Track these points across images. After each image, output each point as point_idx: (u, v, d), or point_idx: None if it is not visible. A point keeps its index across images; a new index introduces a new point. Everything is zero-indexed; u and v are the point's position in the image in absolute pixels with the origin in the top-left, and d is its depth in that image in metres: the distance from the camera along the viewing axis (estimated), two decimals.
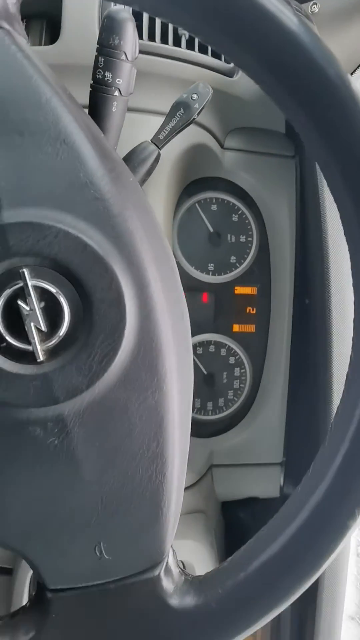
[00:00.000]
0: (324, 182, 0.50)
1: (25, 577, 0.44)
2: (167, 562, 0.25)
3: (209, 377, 0.58)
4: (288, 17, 0.22)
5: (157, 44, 0.47)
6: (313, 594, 0.50)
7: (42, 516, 0.24)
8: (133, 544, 0.24)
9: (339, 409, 0.24)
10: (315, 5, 0.56)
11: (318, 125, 0.22)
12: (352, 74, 0.63)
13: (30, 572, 0.44)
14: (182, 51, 0.48)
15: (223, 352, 0.57)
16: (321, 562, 0.23)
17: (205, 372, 0.57)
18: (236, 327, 0.57)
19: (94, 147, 0.24)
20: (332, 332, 0.49)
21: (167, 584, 0.25)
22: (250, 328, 0.58)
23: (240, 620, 0.24)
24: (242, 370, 0.58)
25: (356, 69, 0.62)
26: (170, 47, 0.47)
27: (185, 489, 0.29)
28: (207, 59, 0.51)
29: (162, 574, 0.25)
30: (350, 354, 0.24)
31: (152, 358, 0.24)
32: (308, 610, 0.52)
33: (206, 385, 0.57)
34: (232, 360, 0.58)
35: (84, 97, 0.35)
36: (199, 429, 0.57)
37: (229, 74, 0.52)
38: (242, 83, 0.53)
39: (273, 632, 0.59)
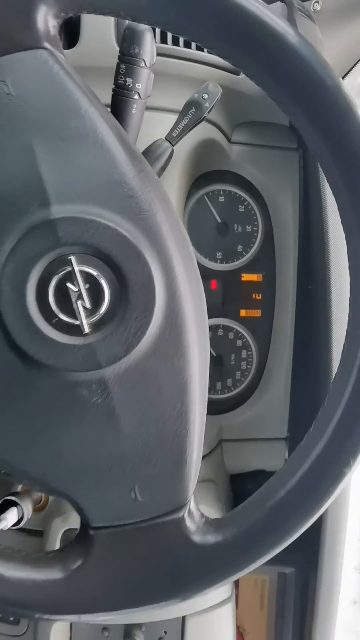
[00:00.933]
0: None
1: (55, 539, 0.48)
2: (190, 506, 0.29)
3: (218, 359, 0.61)
4: (293, 36, 0.26)
5: (169, 46, 0.50)
6: (315, 549, 0.54)
7: (87, 464, 0.28)
8: (162, 489, 0.28)
9: (336, 376, 0.28)
10: (317, 4, 0.59)
11: (315, 123, 0.26)
12: (351, 69, 0.66)
13: (60, 533, 0.48)
14: (192, 52, 0.51)
15: (231, 335, 0.61)
16: (322, 502, 0.27)
17: (214, 354, 0.61)
18: (243, 312, 0.60)
19: (125, 150, 0.27)
20: (331, 314, 0.52)
21: (190, 524, 0.29)
22: (256, 313, 0.61)
23: (254, 553, 0.28)
24: (249, 352, 0.61)
25: (355, 64, 0.65)
26: (181, 49, 0.50)
27: None
28: (215, 58, 0.53)
29: (186, 515, 0.29)
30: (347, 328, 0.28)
31: (177, 331, 0.28)
32: (310, 566, 0.56)
33: (215, 366, 0.61)
34: (239, 343, 0.61)
35: (101, 96, 0.38)
36: (209, 407, 0.61)
37: (235, 72, 0.55)
38: (248, 80, 0.55)
39: (280, 579, 0.63)
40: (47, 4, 0.26)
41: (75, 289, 0.26)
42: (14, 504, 0.48)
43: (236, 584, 0.62)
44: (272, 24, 0.26)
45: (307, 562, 0.58)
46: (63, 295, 0.26)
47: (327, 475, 0.27)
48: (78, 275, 0.26)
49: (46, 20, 0.27)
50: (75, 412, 0.27)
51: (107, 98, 0.39)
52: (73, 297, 0.26)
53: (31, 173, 0.26)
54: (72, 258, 0.26)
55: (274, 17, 0.26)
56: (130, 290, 0.26)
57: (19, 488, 0.53)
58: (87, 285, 0.26)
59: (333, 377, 0.29)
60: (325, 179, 0.56)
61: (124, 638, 0.53)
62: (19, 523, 0.47)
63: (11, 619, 0.55)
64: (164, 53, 0.49)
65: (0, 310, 0.26)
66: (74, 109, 0.27)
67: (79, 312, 0.26)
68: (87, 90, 0.28)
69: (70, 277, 0.26)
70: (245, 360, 0.62)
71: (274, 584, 0.65)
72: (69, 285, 0.26)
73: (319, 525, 0.54)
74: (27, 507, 0.49)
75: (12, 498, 0.48)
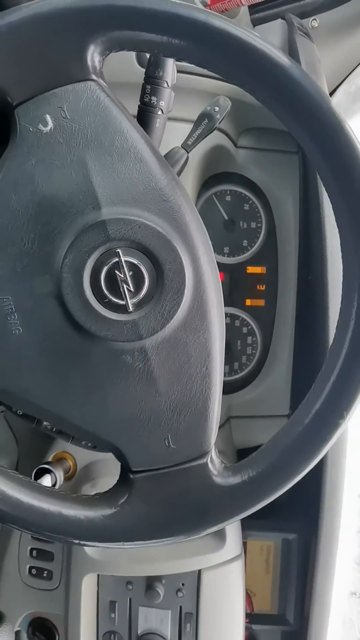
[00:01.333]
0: None
1: None
2: (212, 453, 0.35)
3: (226, 345, 0.67)
4: (293, 65, 0.32)
5: (183, 63, 0.56)
6: (315, 518, 0.60)
7: (130, 418, 0.34)
8: (190, 438, 0.34)
9: (331, 346, 0.34)
10: (314, 21, 0.65)
11: (311, 137, 0.32)
12: (345, 78, 0.72)
13: None
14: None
15: (237, 323, 0.66)
16: (321, 448, 0.33)
17: None
18: (248, 302, 0.66)
19: (159, 163, 0.34)
20: (328, 302, 0.57)
21: (213, 469, 0.35)
22: (260, 302, 0.66)
23: (266, 491, 0.34)
24: (254, 339, 0.67)
25: (349, 74, 0.71)
26: (191, 65, 0.56)
27: None
28: None
29: (209, 461, 0.35)
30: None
31: (203, 308, 0.34)
32: (311, 533, 0.62)
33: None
34: (245, 330, 0.67)
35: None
36: None
37: None
38: None
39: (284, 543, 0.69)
40: (96, 44, 0.32)
41: (121, 276, 0.32)
42: (48, 471, 0.54)
43: (244, 550, 0.68)
44: (281, 61, 0.32)
45: (308, 529, 0.64)
46: (112, 281, 0.32)
47: (325, 426, 0.33)
48: (124, 264, 0.32)
49: (94, 57, 0.32)
50: (120, 375, 0.33)
51: (128, 108, 0.44)
52: (120, 282, 0.32)
53: (85, 182, 0.32)
54: (119, 251, 0.32)
55: (283, 56, 0.32)
56: (165, 276, 0.32)
57: (51, 458, 0.60)
58: (131, 273, 0.32)
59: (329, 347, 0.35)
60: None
61: (146, 590, 0.59)
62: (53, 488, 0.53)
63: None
64: (179, 70, 0.54)
65: (62, 293, 0.32)
66: (117, 130, 0.33)
67: (125, 294, 0.32)
68: (126, 113, 0.34)
69: (117, 266, 0.32)
70: (251, 345, 0.67)
71: (278, 550, 0.70)
72: (116, 272, 0.32)
73: (318, 496, 0.59)
74: (59, 474, 0.56)
75: (46, 466, 0.55)
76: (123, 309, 0.32)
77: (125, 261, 0.32)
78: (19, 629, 0.64)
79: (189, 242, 0.33)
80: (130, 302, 0.32)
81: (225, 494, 0.34)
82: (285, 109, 0.32)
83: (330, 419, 0.33)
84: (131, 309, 0.32)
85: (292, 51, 0.60)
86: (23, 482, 0.34)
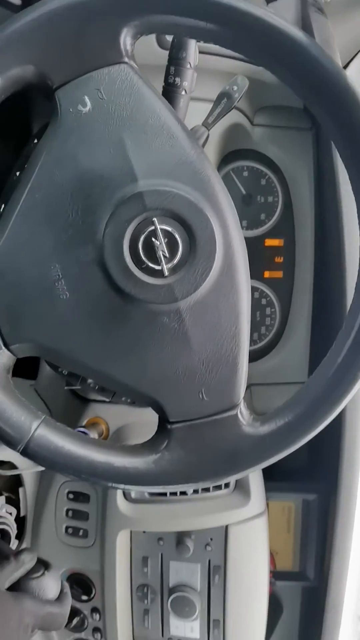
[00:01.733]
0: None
1: None
2: (241, 406, 0.38)
3: None
4: (315, 45, 0.34)
5: (202, 44, 0.58)
6: (334, 479, 0.63)
7: (167, 372, 0.37)
8: (221, 391, 0.37)
9: (352, 305, 0.37)
10: None
11: (327, 108, 0.34)
12: (358, 53, 0.73)
13: None
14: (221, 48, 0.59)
15: (256, 294, 0.68)
16: (342, 399, 0.36)
17: None
18: (267, 274, 0.68)
19: (189, 138, 0.36)
20: (346, 271, 0.60)
21: (242, 419, 0.38)
22: (279, 274, 0.68)
23: (293, 438, 0.37)
24: (272, 310, 0.69)
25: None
26: (211, 45, 0.58)
27: None
28: None
29: (239, 413, 0.38)
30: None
31: (232, 273, 0.36)
32: (331, 493, 0.65)
33: None
34: (264, 301, 0.69)
35: None
36: None
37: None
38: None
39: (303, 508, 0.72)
40: (129, 28, 0.35)
41: (157, 243, 0.35)
42: (84, 434, 0.58)
43: (267, 510, 0.71)
44: (302, 41, 0.34)
45: (327, 490, 0.67)
46: (149, 248, 0.35)
47: (347, 377, 0.36)
48: (159, 232, 0.34)
49: (126, 41, 0.35)
50: (158, 334, 0.36)
51: None
52: (156, 249, 0.35)
53: (123, 157, 0.35)
54: (155, 220, 0.34)
55: (304, 36, 0.34)
56: (197, 242, 0.35)
57: (85, 423, 0.64)
58: (166, 240, 0.35)
59: (349, 307, 0.38)
60: (337, 153, 0.64)
61: (177, 544, 0.63)
62: None
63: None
64: (200, 50, 0.56)
65: (104, 259, 0.35)
66: (150, 109, 0.35)
67: (161, 260, 0.35)
68: (157, 93, 0.36)
69: (154, 234, 0.35)
70: (269, 316, 0.69)
71: (299, 510, 0.74)
72: (153, 240, 0.35)
73: (336, 459, 0.62)
74: (95, 437, 0.60)
75: (82, 429, 0.59)
76: (159, 274, 0.35)
77: (161, 229, 0.35)
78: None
79: (218, 210, 0.36)
80: (166, 267, 0.35)
81: (256, 441, 0.37)
82: (306, 86, 0.35)
83: (351, 371, 0.36)
84: (167, 273, 0.35)
85: (305, 27, 0.61)
86: (73, 434, 0.38)
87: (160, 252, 0.35)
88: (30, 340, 0.37)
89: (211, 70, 0.57)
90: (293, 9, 0.63)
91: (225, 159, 0.66)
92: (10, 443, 0.36)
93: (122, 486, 0.38)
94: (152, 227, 0.35)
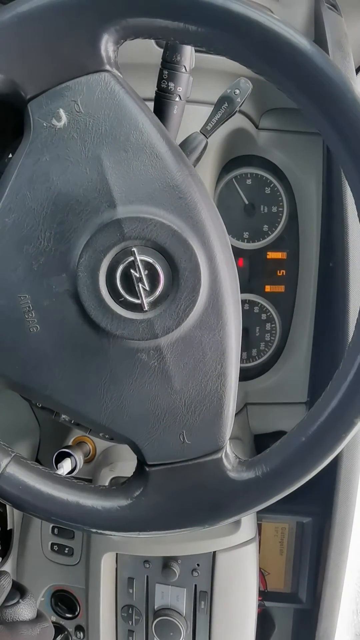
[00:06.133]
0: None
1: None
2: (226, 449, 0.35)
3: (244, 331, 0.66)
4: (321, 54, 0.30)
5: None
6: (330, 502, 0.61)
7: (146, 414, 0.34)
8: (204, 434, 0.34)
9: (350, 343, 0.34)
10: None
11: (332, 123, 0.31)
12: None
13: (108, 480, 0.56)
14: None
15: (256, 309, 0.66)
16: (335, 446, 0.33)
17: None
18: (268, 288, 0.65)
19: (175, 158, 0.33)
20: (349, 290, 0.56)
21: (227, 464, 0.35)
22: (280, 288, 0.65)
23: (279, 486, 0.34)
24: (273, 325, 0.66)
25: None
26: None
27: None
28: None
29: (223, 456, 0.35)
30: None
31: (218, 307, 0.33)
32: (325, 517, 0.63)
33: (241, 338, 0.67)
34: (264, 316, 0.66)
35: (141, 89, 0.42)
36: None
37: None
38: None
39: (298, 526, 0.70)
40: (109, 33, 0.31)
41: (137, 275, 0.32)
42: (69, 455, 0.56)
43: (259, 530, 0.69)
44: (305, 48, 0.30)
45: (323, 514, 0.65)
46: (127, 280, 0.32)
47: (340, 425, 0.33)
48: (139, 263, 0.32)
49: (107, 47, 0.32)
50: (136, 372, 0.34)
51: (145, 91, 0.43)
52: (135, 281, 0.32)
53: (100, 179, 0.32)
54: (135, 250, 0.32)
55: (307, 43, 0.30)
56: (180, 275, 0.32)
57: (71, 442, 0.61)
58: (146, 272, 0.32)
59: (348, 345, 0.34)
60: None
61: (163, 568, 0.61)
62: (73, 471, 0.55)
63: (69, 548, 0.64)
64: (197, 49, 0.52)
65: (78, 291, 0.32)
66: (133, 124, 0.32)
67: (140, 293, 0.32)
68: (142, 105, 0.33)
69: (133, 265, 0.32)
70: (269, 332, 0.67)
71: (293, 532, 0.72)
72: (132, 271, 0.32)
73: (333, 482, 0.60)
74: (79, 458, 0.57)
75: (67, 450, 0.56)
76: (138, 308, 0.32)
77: (141, 260, 0.32)
78: (42, 599, 0.67)
79: (204, 240, 0.33)
80: (146, 301, 0.32)
81: (239, 488, 0.35)
82: (309, 99, 0.31)
83: (345, 417, 0.33)
84: (146, 308, 0.32)
85: (318, 26, 0.57)
86: (43, 473, 0.35)
87: (140, 285, 0.32)
88: None
89: (212, 71, 0.54)
90: (305, 6, 0.58)
91: (227, 166, 0.63)
92: None
93: (93, 531, 0.35)
94: (132, 258, 0.32)
